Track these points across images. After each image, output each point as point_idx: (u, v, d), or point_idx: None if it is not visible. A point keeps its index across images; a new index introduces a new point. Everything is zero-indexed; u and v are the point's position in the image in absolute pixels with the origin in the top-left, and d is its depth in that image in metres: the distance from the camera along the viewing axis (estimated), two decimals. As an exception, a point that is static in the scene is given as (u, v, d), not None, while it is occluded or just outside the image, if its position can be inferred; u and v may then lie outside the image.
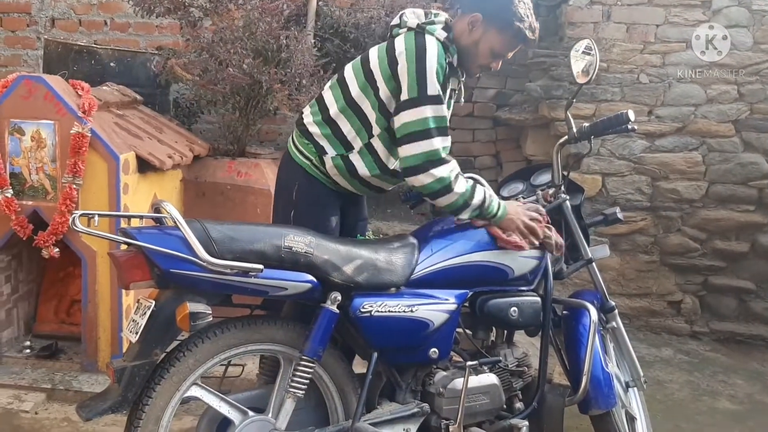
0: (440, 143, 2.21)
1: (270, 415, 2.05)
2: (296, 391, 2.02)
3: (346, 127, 2.32)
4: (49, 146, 3.09)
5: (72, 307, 3.59)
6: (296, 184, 2.37)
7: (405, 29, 2.31)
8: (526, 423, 2.29)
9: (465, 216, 2.28)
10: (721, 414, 3.38)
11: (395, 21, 2.37)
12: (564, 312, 2.59)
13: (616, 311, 2.68)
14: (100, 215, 1.88)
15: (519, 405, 2.42)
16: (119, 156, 3.09)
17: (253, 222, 2.25)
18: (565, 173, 2.63)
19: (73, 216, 1.83)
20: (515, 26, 2.29)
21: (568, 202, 2.58)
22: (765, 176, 4.38)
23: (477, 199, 2.26)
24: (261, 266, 1.91)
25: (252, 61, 3.53)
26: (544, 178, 2.74)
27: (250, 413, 2.03)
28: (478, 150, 5.19)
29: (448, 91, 2.36)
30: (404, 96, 2.21)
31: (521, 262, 2.35)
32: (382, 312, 2.11)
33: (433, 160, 2.19)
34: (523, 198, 2.63)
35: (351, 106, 2.32)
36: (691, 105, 4.42)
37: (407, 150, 2.21)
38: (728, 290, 4.51)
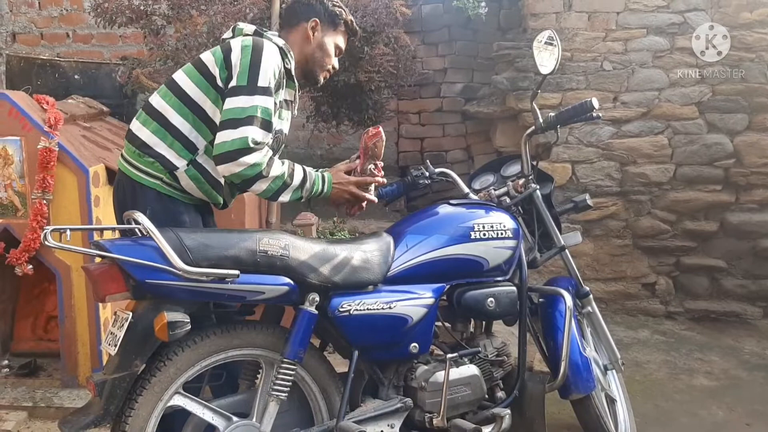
0: (256, 133, 2.08)
1: (254, 419, 2.05)
2: (279, 394, 2.03)
3: (185, 126, 2.19)
4: (16, 162, 3.06)
5: (49, 323, 3.57)
6: (147, 209, 2.08)
7: (241, 36, 2.27)
8: (508, 411, 2.31)
9: (286, 198, 2.18)
10: (699, 391, 3.44)
11: (227, 34, 2.34)
12: (540, 300, 2.63)
13: (591, 296, 2.74)
14: (71, 229, 1.86)
15: (500, 394, 2.45)
16: (88, 169, 3.07)
17: (227, 228, 2.23)
18: (534, 163, 2.67)
19: (44, 231, 1.80)
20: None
21: (538, 192, 2.63)
22: (730, 156, 4.46)
23: (297, 179, 2.19)
24: (237, 272, 1.91)
25: (218, 66, 3.52)
26: (514, 168, 2.78)
27: (234, 419, 2.03)
28: (449, 144, 5.23)
29: (282, 101, 2.31)
30: (233, 83, 2.13)
31: (495, 252, 2.37)
32: (360, 310, 2.12)
33: (243, 148, 2.06)
34: (494, 189, 2.67)
35: (186, 103, 2.20)
36: (655, 89, 4.49)
37: (221, 137, 2.08)
38: (700, 269, 4.59)
